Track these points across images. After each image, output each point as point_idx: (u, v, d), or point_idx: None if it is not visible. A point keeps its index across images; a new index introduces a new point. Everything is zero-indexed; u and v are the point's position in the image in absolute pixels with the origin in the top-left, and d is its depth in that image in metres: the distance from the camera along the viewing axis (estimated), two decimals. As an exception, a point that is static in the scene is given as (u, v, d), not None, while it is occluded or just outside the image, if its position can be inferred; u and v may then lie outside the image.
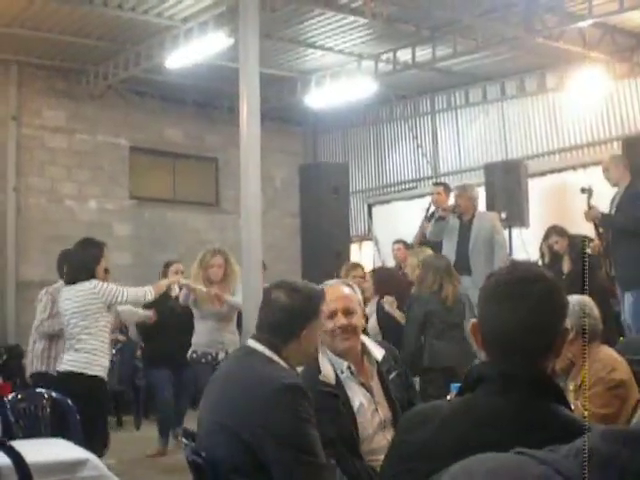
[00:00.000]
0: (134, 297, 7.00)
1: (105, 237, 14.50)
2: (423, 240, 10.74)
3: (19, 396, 5.89)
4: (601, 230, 9.06)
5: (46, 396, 5.87)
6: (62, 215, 14.60)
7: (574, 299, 4.42)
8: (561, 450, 0.87)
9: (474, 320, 2.26)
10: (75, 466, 4.44)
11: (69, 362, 6.57)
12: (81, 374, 6.47)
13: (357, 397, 3.91)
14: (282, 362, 3.44)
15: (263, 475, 3.23)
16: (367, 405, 3.92)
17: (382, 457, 2.44)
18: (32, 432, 5.48)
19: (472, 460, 0.92)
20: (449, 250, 9.78)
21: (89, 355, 6.52)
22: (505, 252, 9.81)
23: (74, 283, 6.75)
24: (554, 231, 9.87)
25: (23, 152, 14.32)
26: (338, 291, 4.08)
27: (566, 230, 9.82)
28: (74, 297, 6.66)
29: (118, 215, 15.27)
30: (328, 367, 3.90)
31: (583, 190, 8.87)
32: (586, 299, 4.49)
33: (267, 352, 3.45)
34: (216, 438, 3.34)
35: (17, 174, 14.20)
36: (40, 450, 4.61)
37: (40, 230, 14.23)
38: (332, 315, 3.96)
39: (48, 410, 5.71)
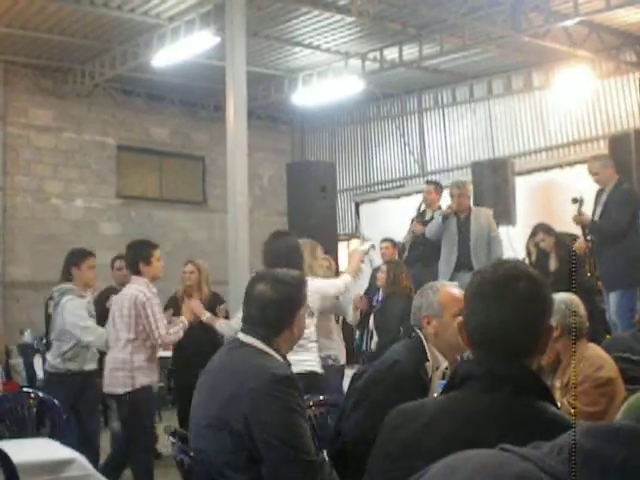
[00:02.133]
0: (337, 289, 6.50)
1: (91, 236, 14.57)
2: (415, 241, 10.66)
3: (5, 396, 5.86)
4: (588, 234, 9.09)
5: (32, 396, 5.85)
6: (48, 214, 14.56)
7: (560, 297, 4.43)
8: (544, 447, 0.87)
9: (460, 318, 2.26)
10: (62, 465, 4.43)
11: (306, 362, 6.26)
12: (319, 373, 6.19)
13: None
14: (274, 353, 3.44)
15: (256, 468, 3.22)
16: None
17: None
18: (18, 432, 5.46)
19: (455, 457, 0.92)
20: (450, 248, 9.72)
21: (317, 354, 6.30)
22: (502, 249, 9.78)
23: None
24: (541, 229, 9.87)
25: (9, 151, 14.27)
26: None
27: (553, 228, 9.83)
28: None
29: (105, 214, 15.24)
30: (430, 360, 3.91)
31: (575, 200, 8.89)
32: (572, 297, 4.50)
33: (258, 344, 3.44)
34: (209, 432, 3.32)
35: (3, 173, 14.15)
36: (27, 450, 4.60)
37: (26, 229, 14.19)
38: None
39: (34, 410, 5.68)
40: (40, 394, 5.89)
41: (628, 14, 11.80)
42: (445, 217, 9.91)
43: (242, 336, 3.52)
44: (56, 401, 5.72)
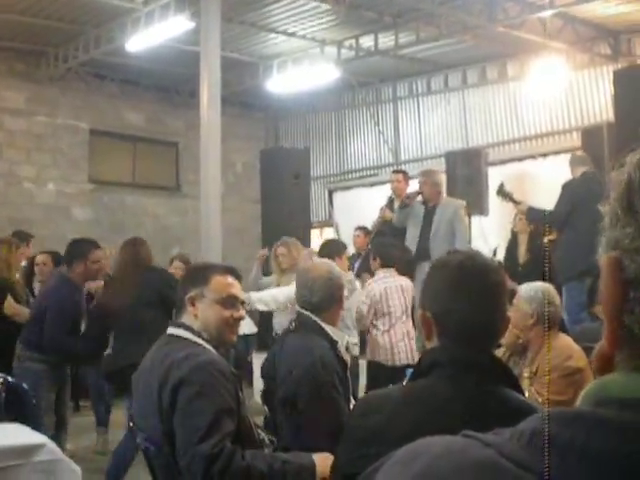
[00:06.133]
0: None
1: (64, 221, 14.49)
2: (381, 227, 10.68)
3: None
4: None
5: (1, 381, 5.80)
6: (21, 198, 14.45)
7: (537, 286, 4.46)
8: (505, 433, 0.88)
9: (421, 311, 2.28)
10: (31, 450, 4.41)
11: None
12: None
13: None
14: (199, 340, 3.32)
15: None
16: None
17: None
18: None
19: (418, 443, 0.93)
20: (413, 236, 9.68)
21: None
22: (465, 242, 9.64)
23: None
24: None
25: (-19, 134, 14.16)
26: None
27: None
28: None
29: (77, 199, 15.14)
30: (338, 339, 4.06)
31: (498, 192, 9.02)
32: (549, 287, 4.54)
33: (182, 333, 3.36)
34: (149, 438, 3.27)
35: (-26, 156, 14.05)
36: (-4, 434, 4.58)
37: (-2, 213, 14.09)
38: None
39: (3, 395, 5.64)
40: (9, 379, 5.84)
41: (603, 7, 11.86)
42: (403, 205, 9.86)
43: (171, 329, 3.44)
44: (25, 385, 5.69)
